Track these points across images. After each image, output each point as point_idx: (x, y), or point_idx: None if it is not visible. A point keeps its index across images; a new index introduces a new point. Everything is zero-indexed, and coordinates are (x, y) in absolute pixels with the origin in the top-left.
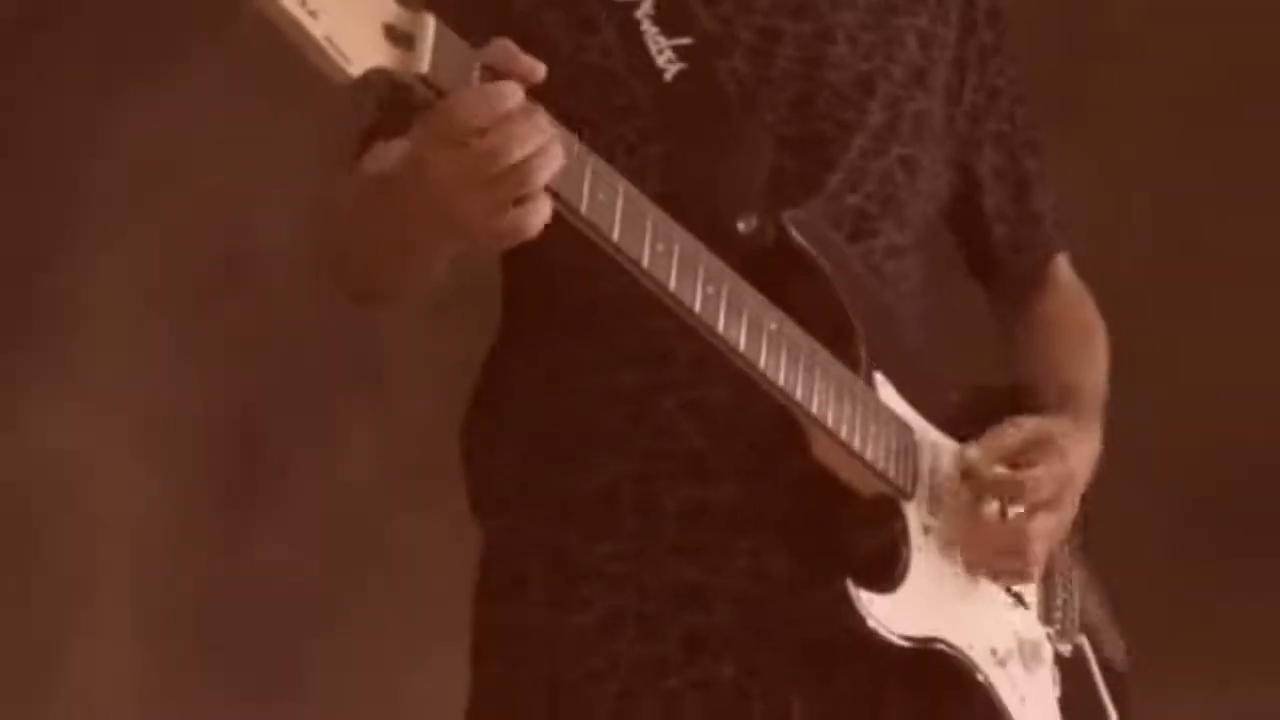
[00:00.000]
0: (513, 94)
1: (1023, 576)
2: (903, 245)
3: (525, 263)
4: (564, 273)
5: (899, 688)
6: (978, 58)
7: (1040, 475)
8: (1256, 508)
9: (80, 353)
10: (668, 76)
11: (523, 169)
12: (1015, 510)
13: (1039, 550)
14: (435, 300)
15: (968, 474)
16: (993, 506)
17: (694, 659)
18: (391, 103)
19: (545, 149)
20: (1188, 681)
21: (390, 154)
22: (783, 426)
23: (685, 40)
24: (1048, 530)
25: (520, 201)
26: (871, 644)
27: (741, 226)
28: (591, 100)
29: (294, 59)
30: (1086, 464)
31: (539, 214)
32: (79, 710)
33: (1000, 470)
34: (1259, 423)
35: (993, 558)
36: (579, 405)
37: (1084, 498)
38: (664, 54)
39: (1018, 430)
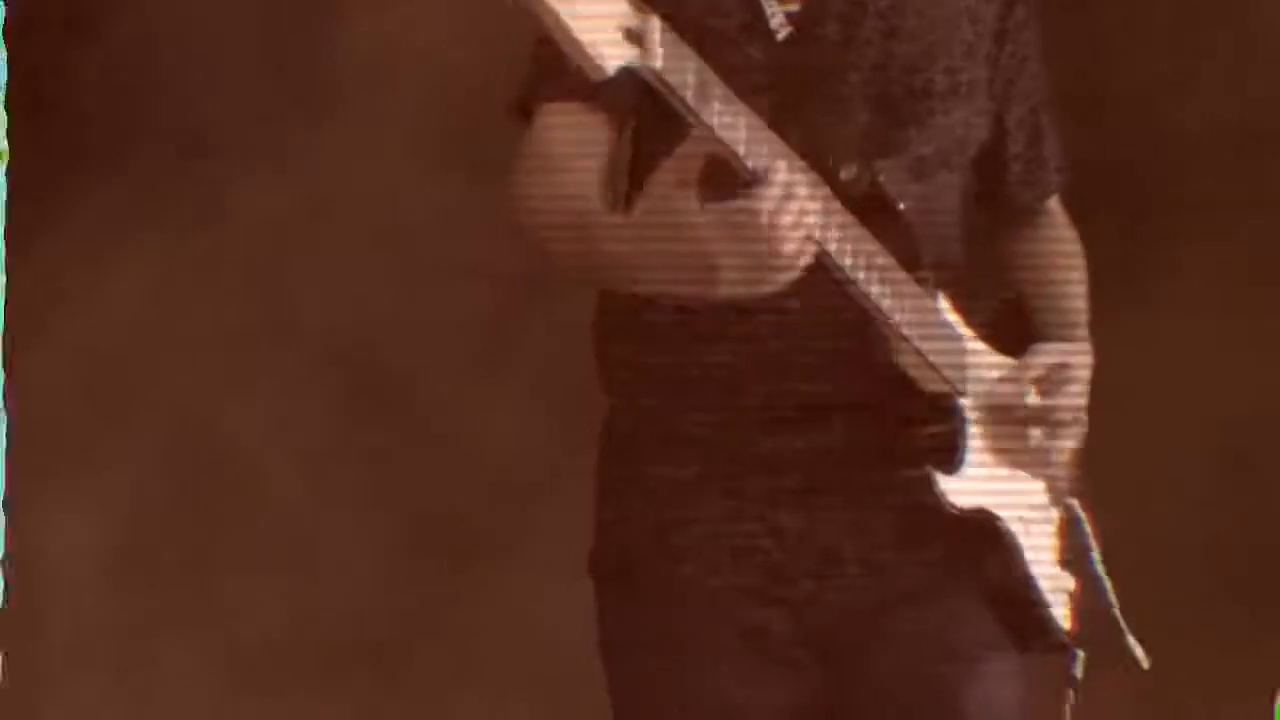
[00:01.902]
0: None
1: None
2: (953, 182)
3: None
4: None
5: (934, 534)
6: (1015, 30)
7: (1065, 397)
8: None
9: None
10: (780, 37)
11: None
12: (1038, 432)
13: (1062, 470)
14: None
15: (1004, 406)
16: (1021, 430)
17: (766, 511)
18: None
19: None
20: None
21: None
22: (843, 336)
23: (794, 7)
24: (1067, 448)
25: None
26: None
27: (843, 175)
28: (709, 57)
29: None
30: (1089, 377)
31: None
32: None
33: (1032, 400)
34: None
35: (1022, 463)
36: (678, 309)
37: None
38: (776, 17)
39: (1043, 359)
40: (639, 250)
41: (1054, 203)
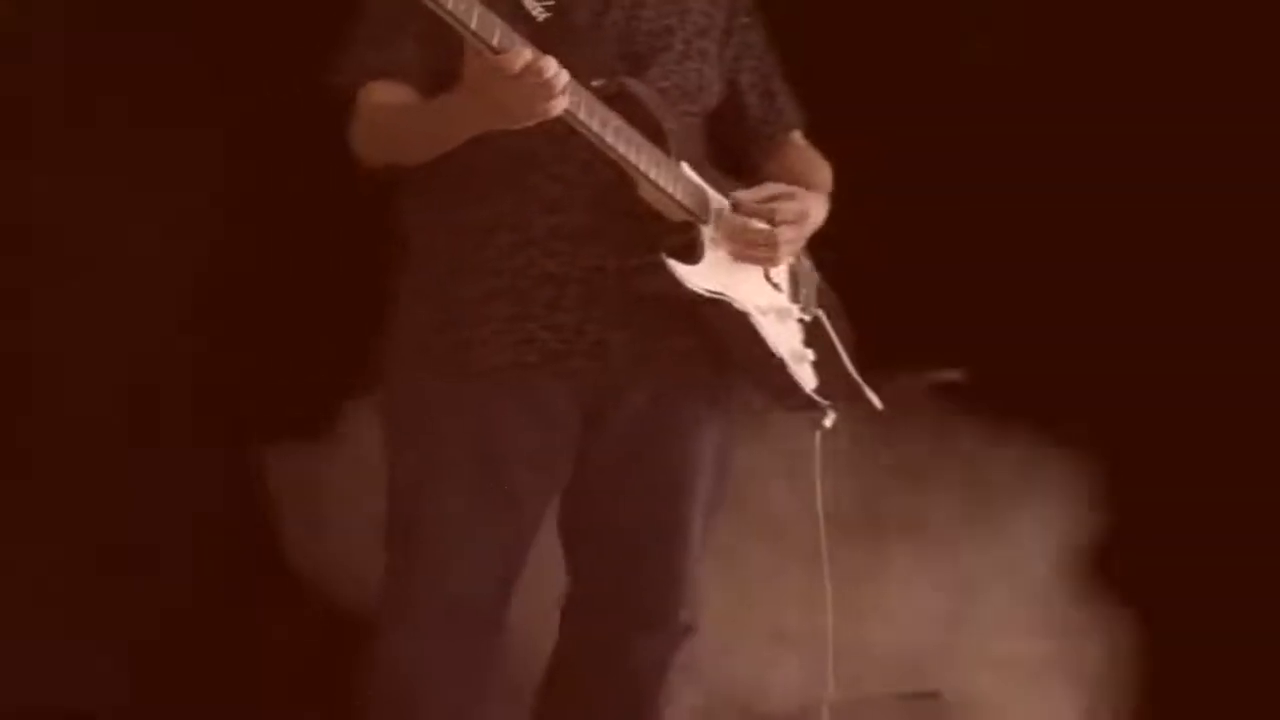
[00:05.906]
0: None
1: (772, 262)
2: (694, 112)
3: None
4: None
5: (687, 329)
6: (740, 30)
7: (786, 205)
8: None
9: None
10: (539, 20)
11: (552, 83)
12: (763, 225)
13: (784, 250)
14: None
15: (738, 205)
16: (752, 221)
17: (548, 314)
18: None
19: (560, 72)
20: None
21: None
22: (603, 183)
23: (550, 1)
24: (789, 239)
25: (549, 97)
26: (674, 301)
27: (595, 83)
28: None
29: None
30: (819, 213)
31: (562, 103)
32: None
33: (761, 202)
34: None
35: (751, 250)
36: (472, 172)
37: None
38: (535, 8)
39: (775, 185)
40: (458, 110)
41: (797, 135)
